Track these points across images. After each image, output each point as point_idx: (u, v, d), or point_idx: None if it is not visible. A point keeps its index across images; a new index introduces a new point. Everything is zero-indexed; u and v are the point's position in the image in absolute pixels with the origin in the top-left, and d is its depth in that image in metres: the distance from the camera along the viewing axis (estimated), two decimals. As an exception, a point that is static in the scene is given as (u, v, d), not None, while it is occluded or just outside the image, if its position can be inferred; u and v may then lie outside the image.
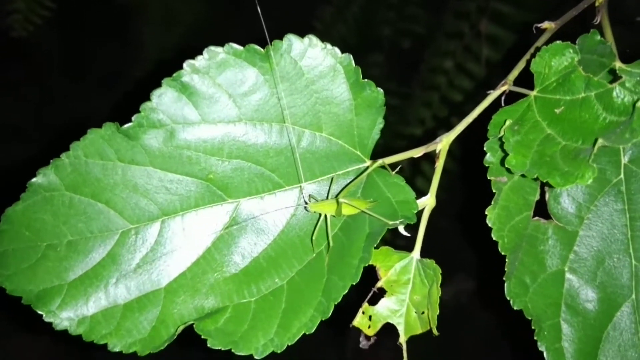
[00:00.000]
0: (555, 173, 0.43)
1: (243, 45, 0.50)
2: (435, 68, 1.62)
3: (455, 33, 1.59)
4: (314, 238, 0.51)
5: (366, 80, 0.51)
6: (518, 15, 1.54)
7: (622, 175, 0.54)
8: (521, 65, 0.56)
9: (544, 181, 0.44)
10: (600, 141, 0.41)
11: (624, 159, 0.54)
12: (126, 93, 1.85)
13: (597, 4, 0.58)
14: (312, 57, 0.51)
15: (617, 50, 0.53)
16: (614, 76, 0.44)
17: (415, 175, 1.39)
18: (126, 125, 0.50)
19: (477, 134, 0.54)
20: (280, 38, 0.51)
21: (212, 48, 0.50)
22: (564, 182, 0.43)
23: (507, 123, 0.48)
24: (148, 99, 0.50)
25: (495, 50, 1.55)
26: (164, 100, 0.50)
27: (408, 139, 1.62)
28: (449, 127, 1.56)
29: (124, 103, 1.81)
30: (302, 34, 0.52)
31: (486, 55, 1.56)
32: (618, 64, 0.55)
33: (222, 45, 0.50)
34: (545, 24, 0.58)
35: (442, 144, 0.55)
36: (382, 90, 0.52)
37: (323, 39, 1.69)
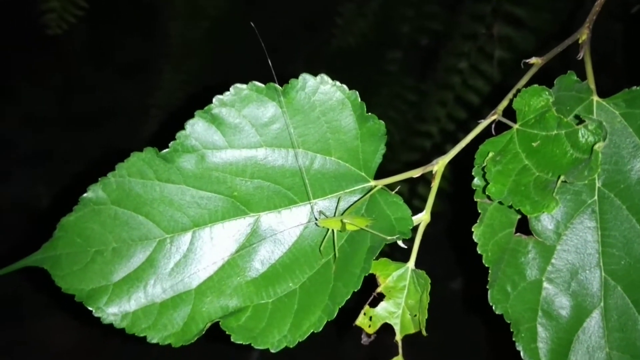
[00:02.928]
0: (526, 202, 0.51)
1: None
2: (451, 68, 1.67)
3: (470, 34, 1.65)
4: (321, 248, 0.59)
5: (370, 113, 0.59)
6: (530, 18, 1.59)
7: (596, 197, 0.61)
8: (510, 95, 0.63)
9: (517, 209, 0.52)
10: (562, 177, 0.49)
11: (598, 183, 0.61)
12: (151, 85, 1.94)
13: (580, 41, 0.65)
14: (324, 92, 0.59)
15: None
16: (580, 120, 0.51)
17: (414, 192, 1.47)
18: (164, 151, 0.58)
19: (468, 157, 0.61)
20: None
21: (238, 85, 0.58)
22: (533, 211, 0.50)
23: (490, 155, 0.55)
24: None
25: (508, 52, 1.60)
26: (196, 129, 0.58)
27: (424, 135, 1.68)
28: (461, 127, 1.62)
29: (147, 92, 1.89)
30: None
31: (498, 56, 1.62)
32: (595, 98, 0.62)
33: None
34: (533, 60, 0.65)
35: (438, 165, 0.62)
36: (383, 122, 0.59)
37: (344, 34, 1.75)
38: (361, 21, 1.87)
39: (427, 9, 1.81)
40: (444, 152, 0.63)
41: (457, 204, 0.67)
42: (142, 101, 1.93)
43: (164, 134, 0.60)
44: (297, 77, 0.59)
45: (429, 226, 0.62)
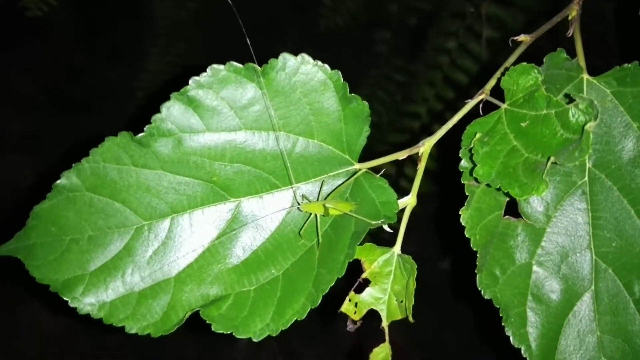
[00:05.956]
0: (515, 184, 0.49)
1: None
2: (439, 47, 1.65)
3: (459, 13, 1.63)
4: (301, 232, 0.57)
5: (353, 94, 0.57)
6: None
7: (586, 178, 0.59)
8: (498, 74, 0.61)
9: (505, 191, 0.50)
10: (552, 158, 0.47)
11: (589, 163, 0.59)
12: (138, 67, 1.91)
13: (569, 17, 0.63)
14: (305, 72, 0.57)
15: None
16: (570, 99, 0.49)
17: (401, 173, 1.45)
18: (139, 135, 0.56)
19: (456, 137, 0.59)
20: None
21: (215, 66, 0.56)
22: (522, 193, 0.48)
23: (478, 136, 0.54)
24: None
25: (496, 31, 1.58)
26: (173, 112, 0.56)
27: (412, 116, 1.66)
28: (450, 107, 1.60)
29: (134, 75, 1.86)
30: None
31: (487, 36, 1.60)
32: (586, 76, 0.60)
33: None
34: (521, 37, 0.63)
35: (424, 147, 0.61)
36: (367, 103, 0.57)
37: (332, 15, 1.72)
38: (349, 1, 1.84)
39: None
40: (432, 133, 0.61)
41: (445, 185, 0.65)
42: (129, 84, 1.90)
43: (146, 116, 0.58)
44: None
45: (417, 207, 0.60)
